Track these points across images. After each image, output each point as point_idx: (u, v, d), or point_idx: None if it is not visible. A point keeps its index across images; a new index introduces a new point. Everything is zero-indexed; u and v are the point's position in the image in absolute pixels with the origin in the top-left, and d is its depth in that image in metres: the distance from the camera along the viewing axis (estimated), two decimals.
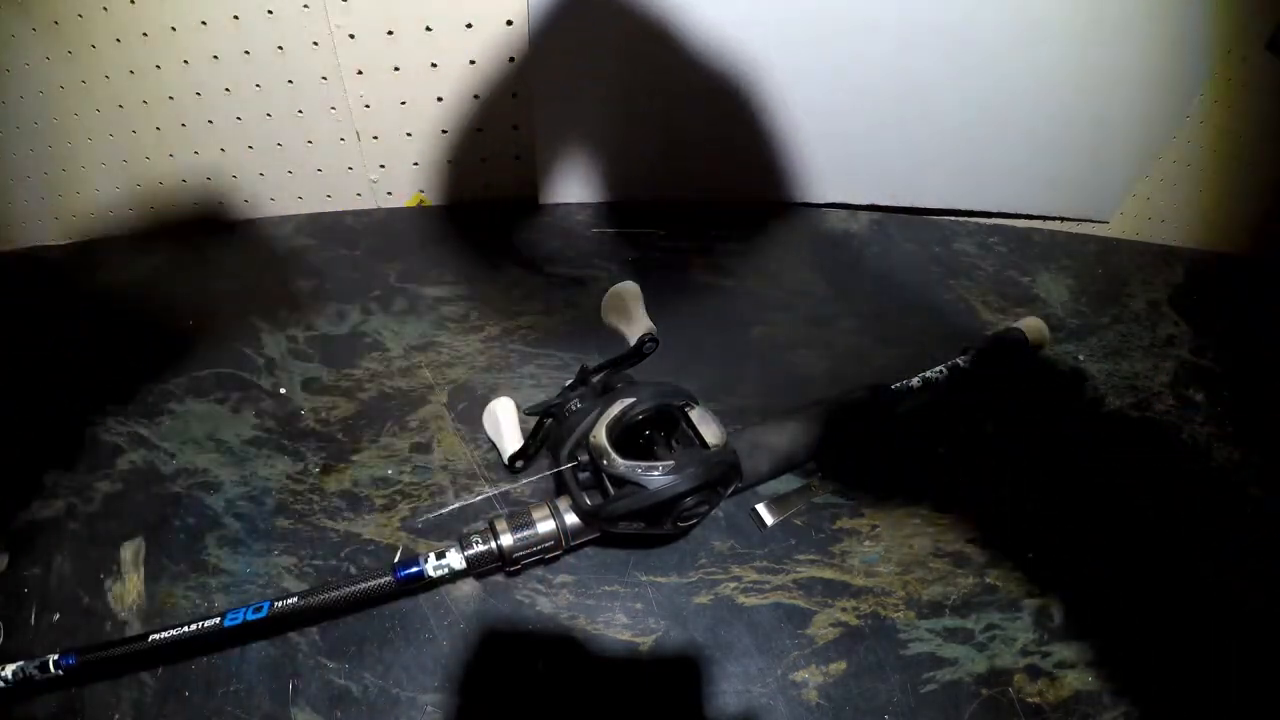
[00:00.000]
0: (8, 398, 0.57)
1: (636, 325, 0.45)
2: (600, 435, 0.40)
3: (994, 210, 0.76)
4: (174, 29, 0.59)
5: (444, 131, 0.67)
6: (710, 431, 0.41)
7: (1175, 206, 0.77)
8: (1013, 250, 0.73)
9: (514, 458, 0.48)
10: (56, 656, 0.38)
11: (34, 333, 0.62)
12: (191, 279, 0.66)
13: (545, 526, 0.41)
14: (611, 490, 0.39)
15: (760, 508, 0.48)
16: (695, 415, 0.42)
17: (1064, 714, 0.41)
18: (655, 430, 0.43)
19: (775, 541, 0.47)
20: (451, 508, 0.48)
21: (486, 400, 0.50)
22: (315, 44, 0.60)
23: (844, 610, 0.44)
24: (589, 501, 0.41)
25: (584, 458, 0.40)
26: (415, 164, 0.69)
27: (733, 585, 0.45)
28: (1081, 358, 0.63)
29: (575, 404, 0.44)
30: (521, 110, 0.65)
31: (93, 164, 0.70)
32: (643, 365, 0.46)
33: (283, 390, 0.56)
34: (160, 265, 0.68)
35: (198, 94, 0.64)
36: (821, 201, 0.75)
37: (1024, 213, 0.77)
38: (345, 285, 0.64)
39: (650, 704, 0.41)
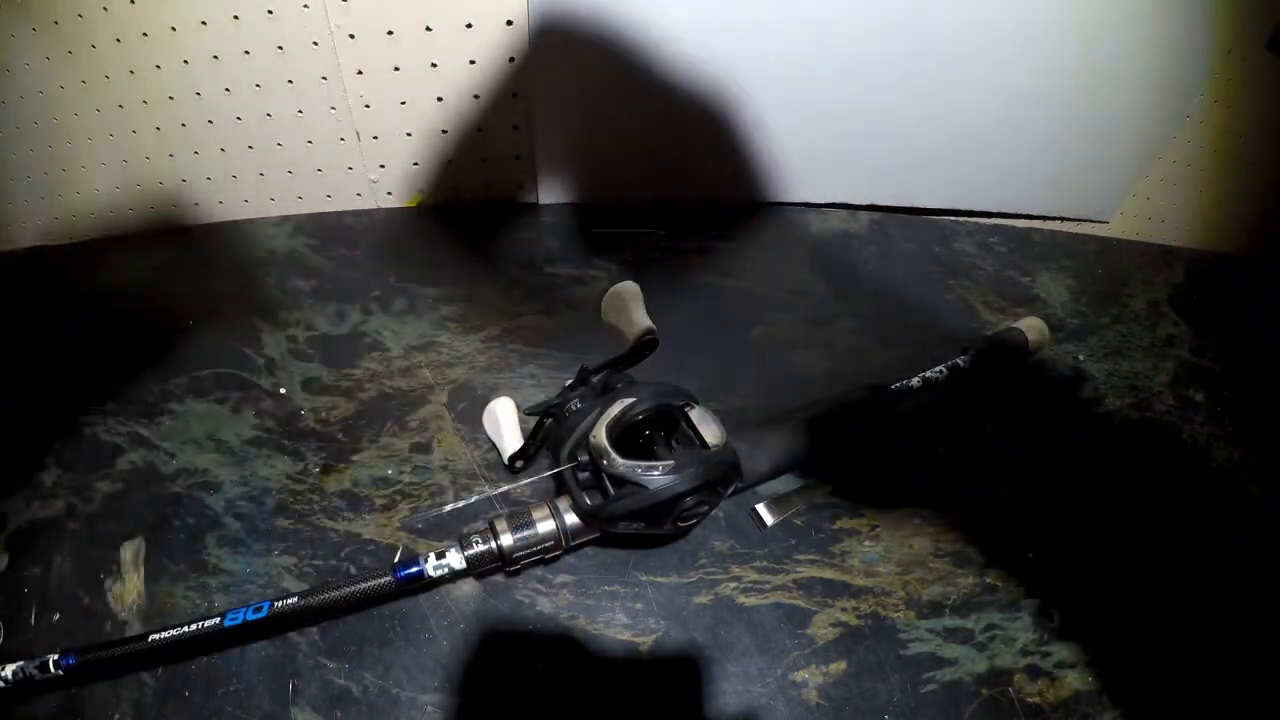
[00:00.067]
0: (8, 398, 0.57)
1: (636, 325, 0.45)
2: (600, 435, 0.40)
3: (994, 210, 0.76)
4: (174, 29, 0.59)
5: (444, 131, 0.67)
6: (710, 431, 0.41)
7: (1175, 206, 0.77)
8: (1013, 250, 0.73)
9: (514, 458, 0.48)
10: (56, 656, 0.38)
11: (34, 333, 0.62)
12: (191, 279, 0.66)
13: (545, 526, 0.41)
14: (611, 490, 0.39)
15: (760, 508, 0.48)
16: (695, 415, 0.42)
17: (1064, 714, 0.41)
18: (655, 430, 0.43)
19: (775, 541, 0.47)
20: (451, 508, 0.48)
21: (486, 400, 0.50)
22: (315, 44, 0.60)
23: (844, 610, 0.44)
24: (589, 501, 0.41)
25: (584, 458, 0.40)
26: (415, 164, 0.69)
27: (733, 585, 0.45)
28: (1081, 358, 0.63)
29: (575, 404, 0.44)
30: (521, 110, 0.65)
31: (93, 164, 0.70)
32: (643, 365, 0.46)
33: (283, 390, 0.56)
34: (160, 265, 0.68)
35: (198, 94, 0.64)
36: (821, 201, 0.75)
37: (1024, 213, 0.77)
38: (345, 285, 0.64)
39: (650, 704, 0.41)
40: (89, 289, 0.66)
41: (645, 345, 0.44)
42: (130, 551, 0.47)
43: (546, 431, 0.48)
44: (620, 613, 0.44)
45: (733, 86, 0.64)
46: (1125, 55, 0.64)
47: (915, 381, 0.52)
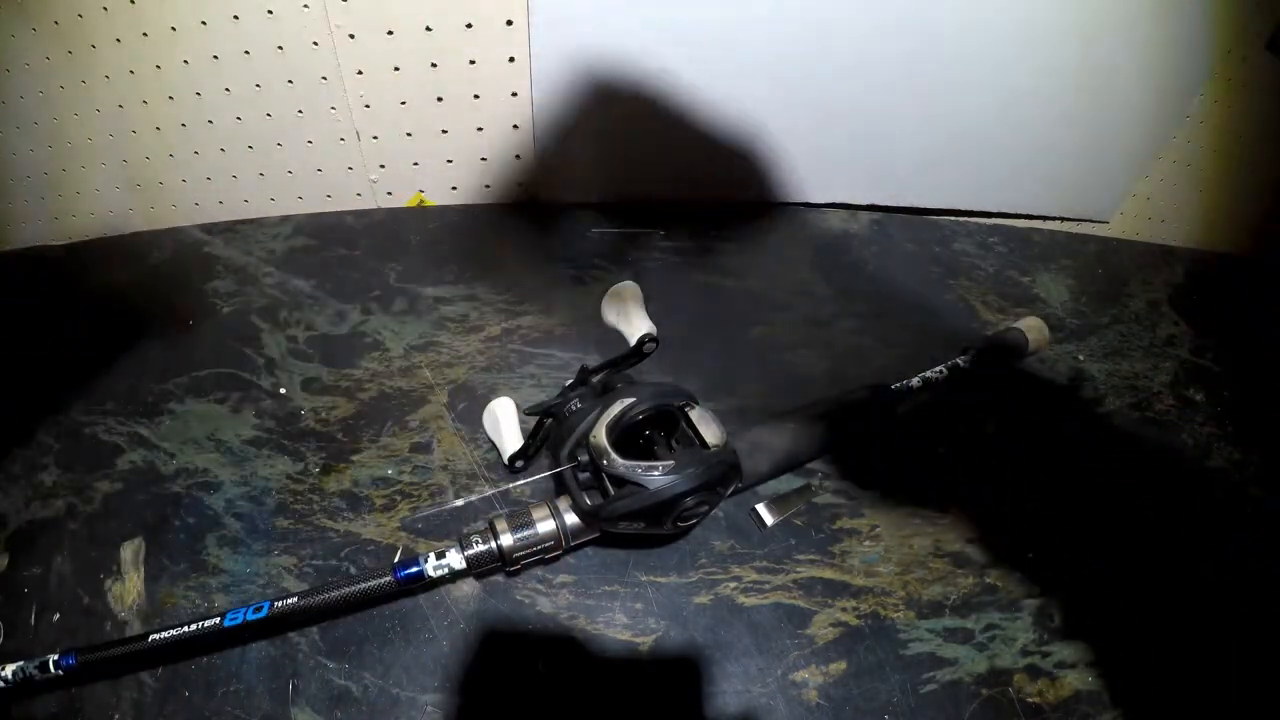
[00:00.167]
0: (8, 398, 0.57)
1: (636, 325, 0.45)
2: (600, 435, 0.40)
3: (994, 210, 0.76)
4: (174, 29, 0.59)
5: (444, 131, 0.67)
6: (710, 431, 0.41)
7: (1175, 206, 0.77)
8: (1013, 250, 0.73)
9: (514, 458, 0.48)
10: (56, 656, 0.38)
11: (34, 333, 0.62)
12: (191, 279, 0.66)
13: (545, 526, 0.41)
14: (611, 490, 0.39)
15: (760, 508, 0.48)
16: (695, 415, 0.42)
17: (1064, 714, 0.41)
18: (655, 430, 0.43)
19: (775, 541, 0.47)
20: (451, 507, 0.48)
21: (486, 400, 0.50)
22: (315, 44, 0.60)
23: (844, 610, 0.44)
24: (589, 501, 0.40)
25: (584, 458, 0.40)
26: (415, 164, 0.69)
27: (733, 585, 0.45)
28: (1081, 358, 0.63)
29: (575, 404, 0.44)
30: (521, 110, 0.65)
31: (93, 164, 0.70)
32: (643, 365, 0.46)
33: (283, 390, 0.56)
34: (160, 265, 0.68)
35: (198, 94, 0.64)
36: (821, 201, 0.75)
37: (1024, 213, 0.77)
38: (345, 285, 0.64)
39: (650, 704, 0.41)
40: (89, 289, 0.66)
41: (645, 345, 0.44)
42: (130, 551, 0.47)
43: (546, 431, 0.48)
44: (620, 613, 0.44)
45: (733, 86, 0.64)
46: (1125, 55, 0.64)
47: (915, 381, 0.52)
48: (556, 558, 0.44)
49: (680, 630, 0.43)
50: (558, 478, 0.42)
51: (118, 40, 0.60)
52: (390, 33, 0.59)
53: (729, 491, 0.42)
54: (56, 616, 0.44)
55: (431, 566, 0.41)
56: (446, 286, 0.64)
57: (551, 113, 0.65)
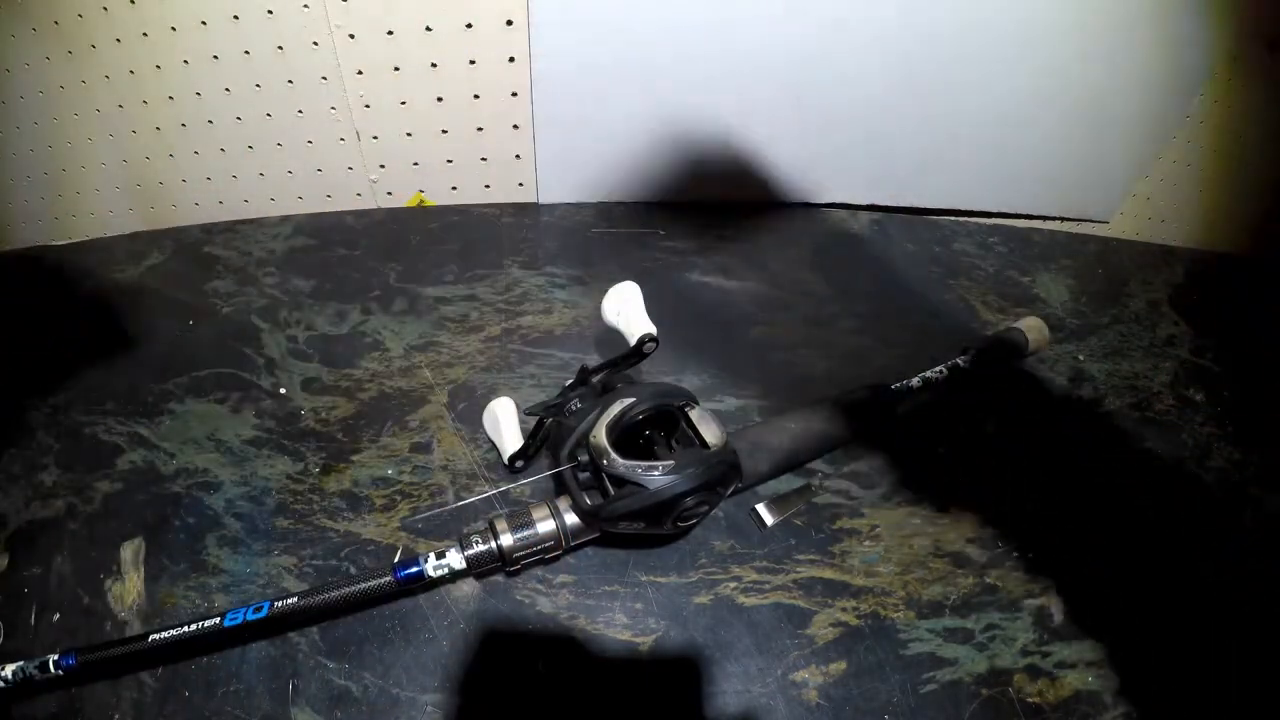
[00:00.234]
0: (8, 398, 0.57)
1: (636, 325, 0.45)
2: (600, 435, 0.40)
3: (994, 210, 0.76)
4: (174, 29, 0.59)
5: (444, 131, 0.67)
6: (710, 431, 0.41)
7: (1175, 206, 0.77)
8: (1013, 250, 0.73)
9: (514, 458, 0.48)
10: (56, 656, 0.38)
11: (34, 333, 0.62)
12: (191, 279, 0.66)
13: (545, 526, 0.41)
14: (611, 490, 0.39)
15: (760, 508, 0.48)
16: (695, 415, 0.42)
17: (1064, 714, 0.41)
18: (655, 430, 0.43)
19: (775, 541, 0.47)
20: (451, 508, 0.48)
21: (486, 400, 0.50)
22: (315, 44, 0.60)
23: (844, 610, 0.44)
24: (589, 501, 0.40)
25: (584, 458, 0.40)
26: (415, 164, 0.70)
27: (733, 585, 0.45)
28: (1081, 358, 0.63)
29: (575, 404, 0.44)
30: (521, 110, 0.65)
31: (93, 164, 0.70)
32: (643, 365, 0.46)
33: (283, 390, 0.56)
34: (160, 265, 0.68)
35: (198, 94, 0.64)
36: (821, 201, 0.75)
37: (1024, 213, 0.77)
38: (345, 285, 0.64)
39: (650, 704, 0.41)
40: (89, 289, 0.66)
41: (645, 345, 0.44)
42: (130, 551, 0.47)
43: (546, 431, 0.48)
44: (620, 613, 0.44)
45: (733, 87, 0.64)
46: (1125, 55, 0.64)
47: (915, 381, 0.52)
48: (556, 558, 0.44)
49: (680, 630, 0.43)
50: (558, 478, 0.42)
51: (118, 40, 0.60)
52: (390, 33, 0.59)
53: (729, 491, 0.42)
54: (56, 616, 0.44)
55: (431, 566, 0.41)
56: (446, 286, 0.64)
57: (551, 113, 0.65)
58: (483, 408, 0.50)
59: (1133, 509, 0.51)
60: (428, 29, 0.59)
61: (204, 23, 0.59)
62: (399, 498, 0.49)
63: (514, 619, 0.43)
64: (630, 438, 0.42)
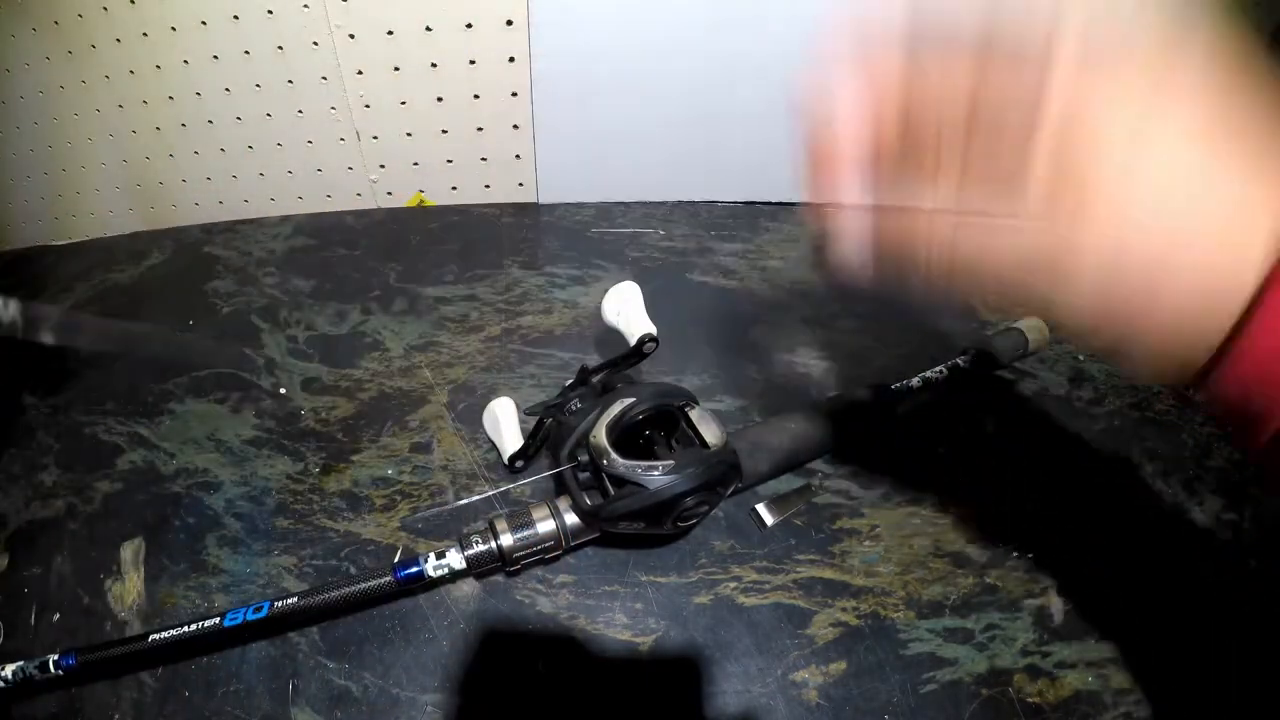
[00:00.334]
0: (8, 398, 0.57)
1: (636, 325, 0.45)
2: (600, 435, 0.40)
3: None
4: (174, 29, 0.59)
5: (444, 131, 0.67)
6: (710, 431, 0.41)
7: None
8: None
9: (514, 458, 0.48)
10: (56, 656, 0.38)
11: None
12: (192, 279, 0.66)
13: (545, 526, 0.41)
14: (611, 490, 0.39)
15: (760, 508, 0.48)
16: (695, 415, 0.42)
17: (1064, 714, 0.41)
18: (655, 430, 0.43)
19: (775, 541, 0.47)
20: (451, 508, 0.48)
21: (486, 400, 0.50)
22: (315, 44, 0.60)
23: (844, 610, 0.44)
24: (589, 501, 0.41)
25: (584, 458, 0.40)
26: (415, 164, 0.70)
27: (733, 585, 0.45)
28: (1081, 358, 0.62)
29: (575, 404, 0.44)
30: (521, 110, 0.65)
31: (93, 164, 0.70)
32: (643, 365, 0.46)
33: (283, 390, 0.56)
34: (160, 265, 0.68)
35: (198, 94, 0.64)
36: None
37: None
38: (345, 285, 0.64)
39: (650, 704, 0.41)
40: (89, 289, 0.66)
41: (645, 345, 0.44)
42: (130, 551, 0.47)
43: (546, 431, 0.48)
44: (620, 613, 0.44)
45: (732, 86, 0.64)
46: None
47: (915, 381, 0.52)
48: (556, 558, 0.44)
49: (680, 630, 0.43)
50: (558, 478, 0.42)
51: (118, 40, 0.60)
52: (390, 33, 0.59)
53: (729, 491, 0.42)
54: (56, 616, 0.44)
55: (431, 566, 0.41)
56: (446, 286, 0.64)
57: (551, 113, 0.65)
58: (483, 408, 0.50)
59: (1133, 509, 0.51)
60: (428, 29, 0.59)
61: (204, 23, 0.59)
62: (399, 498, 0.49)
63: (514, 619, 0.43)
64: (630, 438, 0.42)
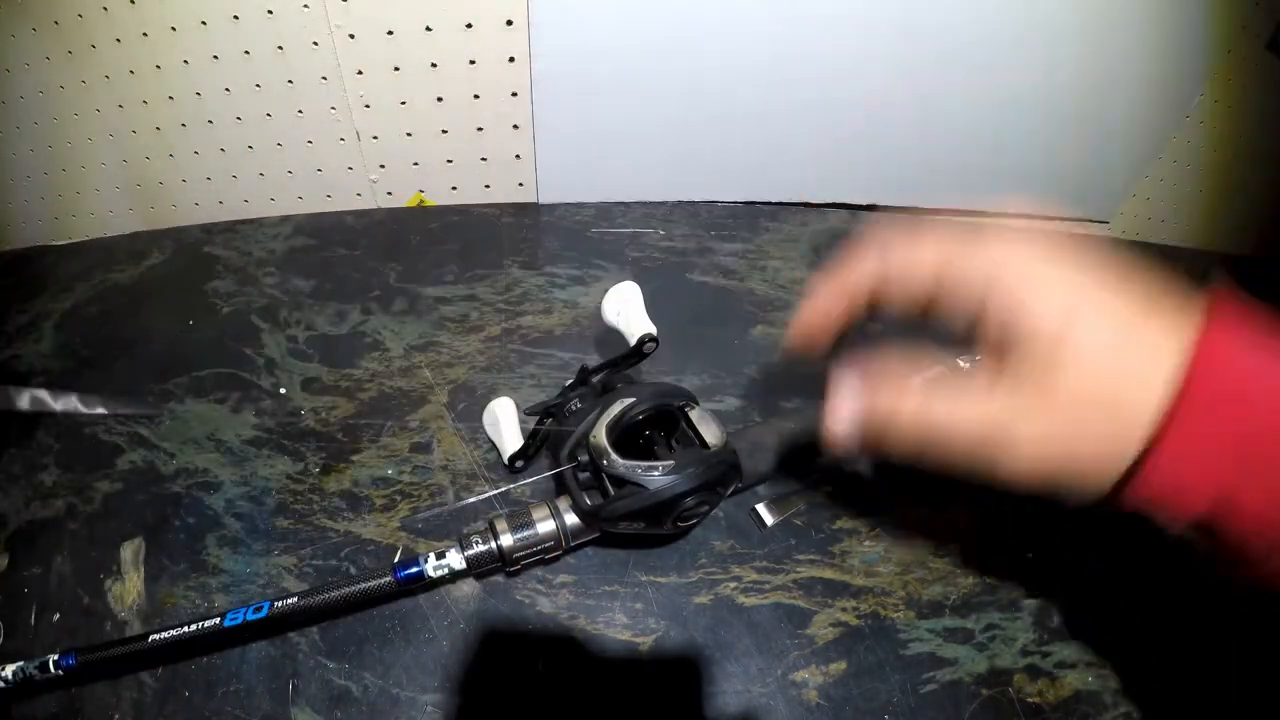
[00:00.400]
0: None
1: (636, 325, 0.45)
2: (600, 435, 0.40)
3: (993, 210, 0.76)
4: (174, 29, 0.59)
5: (444, 131, 0.67)
6: (710, 431, 0.41)
7: (1175, 206, 0.77)
8: None
9: (514, 458, 0.48)
10: (56, 656, 0.38)
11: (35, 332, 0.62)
12: (192, 279, 0.66)
13: (545, 526, 0.41)
14: (611, 490, 0.39)
15: (760, 508, 0.48)
16: (695, 415, 0.42)
17: (1064, 714, 0.41)
18: (655, 430, 0.43)
19: (775, 541, 0.47)
20: (451, 508, 0.48)
21: (486, 400, 0.50)
22: (315, 44, 0.60)
23: (844, 610, 0.44)
24: (589, 501, 0.41)
25: (584, 458, 0.40)
26: (415, 164, 0.70)
27: (733, 585, 0.45)
28: None
29: (575, 404, 0.44)
30: (521, 110, 0.65)
31: (93, 164, 0.70)
32: (643, 365, 0.46)
33: (283, 390, 0.56)
34: (160, 265, 0.68)
35: (198, 94, 0.64)
36: (821, 201, 0.75)
37: (1024, 213, 0.77)
38: (345, 285, 0.64)
39: (650, 704, 0.41)
40: (89, 289, 0.66)
41: (645, 345, 0.44)
42: (130, 551, 0.47)
43: (546, 432, 0.48)
44: (620, 613, 0.44)
45: (732, 86, 0.64)
46: (1125, 55, 0.64)
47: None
48: (556, 558, 0.44)
49: (680, 630, 0.43)
50: (558, 478, 0.43)
51: (118, 40, 0.60)
52: (390, 33, 0.59)
53: (729, 491, 0.42)
54: (56, 616, 0.44)
55: (431, 567, 0.41)
56: (446, 286, 0.64)
57: (551, 113, 0.65)
58: (483, 408, 0.50)
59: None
60: (428, 29, 0.59)
61: (204, 23, 0.59)
62: (399, 498, 0.49)
63: (514, 619, 0.43)
64: (630, 438, 0.42)
